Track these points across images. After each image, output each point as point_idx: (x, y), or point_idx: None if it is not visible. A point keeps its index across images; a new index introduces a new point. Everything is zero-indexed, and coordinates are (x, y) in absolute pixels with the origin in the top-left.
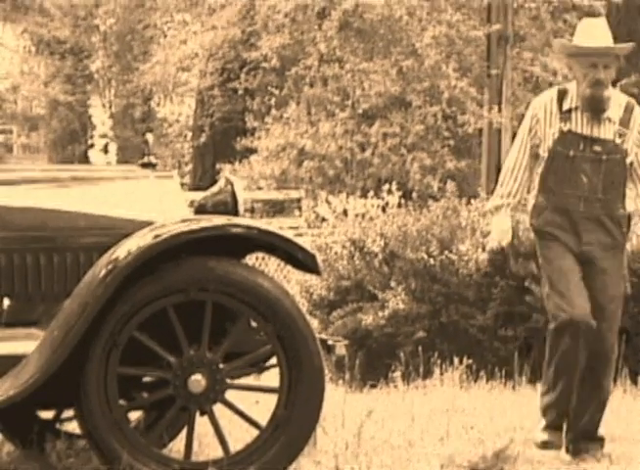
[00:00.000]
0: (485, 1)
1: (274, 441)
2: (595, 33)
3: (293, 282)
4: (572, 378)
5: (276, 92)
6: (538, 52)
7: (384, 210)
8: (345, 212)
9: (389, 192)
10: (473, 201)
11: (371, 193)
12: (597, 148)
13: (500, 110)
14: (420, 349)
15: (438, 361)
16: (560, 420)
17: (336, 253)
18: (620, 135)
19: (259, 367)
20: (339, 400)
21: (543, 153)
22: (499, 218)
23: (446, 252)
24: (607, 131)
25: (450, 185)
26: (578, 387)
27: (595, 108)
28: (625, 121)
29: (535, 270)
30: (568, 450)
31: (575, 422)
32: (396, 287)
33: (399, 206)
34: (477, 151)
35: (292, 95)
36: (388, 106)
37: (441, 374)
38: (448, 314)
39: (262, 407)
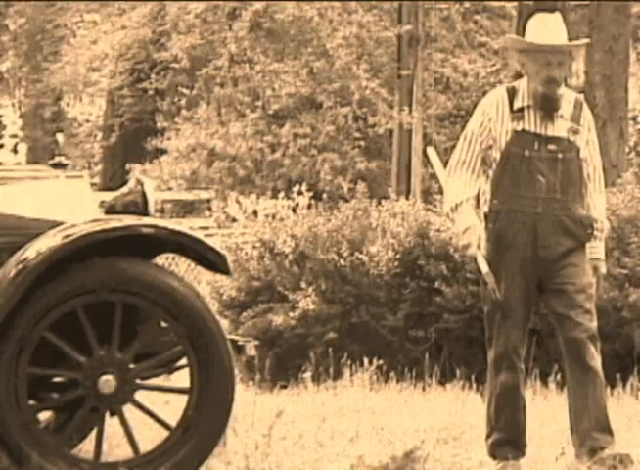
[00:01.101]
0: (396, 2)
1: (184, 441)
2: (549, 30)
3: (203, 283)
4: (516, 410)
5: (186, 92)
6: (449, 53)
7: (294, 210)
8: (256, 213)
9: (300, 193)
10: (383, 202)
11: (281, 194)
12: (552, 146)
13: (411, 111)
14: (330, 349)
15: (349, 362)
16: (515, 452)
17: (246, 253)
18: (574, 132)
19: (170, 368)
20: (249, 401)
21: (495, 154)
22: (461, 217)
23: (357, 253)
24: (560, 129)
25: (361, 186)
26: (569, 380)
27: (548, 106)
28: (576, 118)
29: (446, 271)
30: (581, 450)
31: (579, 417)
32: (307, 288)
33: (310, 206)
34: (387, 152)
35: (202, 95)
36: (299, 106)
37: (352, 375)
38: (359, 315)
39: (173, 408)
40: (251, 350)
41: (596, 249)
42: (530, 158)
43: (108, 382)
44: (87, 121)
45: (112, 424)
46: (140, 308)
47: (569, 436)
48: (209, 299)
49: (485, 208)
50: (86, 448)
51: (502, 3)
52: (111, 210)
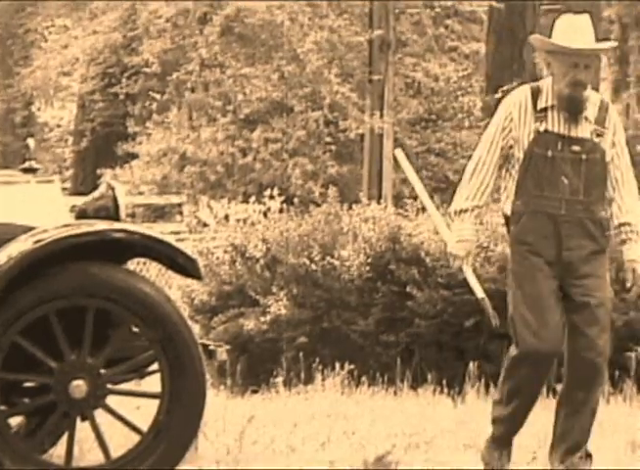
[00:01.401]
0: (367, 7)
1: (155, 446)
2: (578, 32)
3: (174, 287)
4: (526, 404)
5: (157, 97)
6: (420, 57)
7: (265, 215)
8: (227, 218)
9: (271, 197)
10: (354, 206)
11: (252, 198)
12: (576, 148)
13: (382, 115)
14: (301, 354)
15: (320, 367)
16: (507, 437)
17: (217, 258)
18: (598, 134)
19: (141, 373)
20: (220, 406)
21: (518, 154)
22: (460, 226)
23: (328, 257)
24: (584, 130)
25: (332, 190)
26: (567, 397)
27: (573, 108)
28: (601, 120)
29: (417, 276)
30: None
31: (564, 435)
32: (278, 292)
33: (281, 211)
34: (358, 156)
35: (173, 100)
36: (270, 111)
37: (323, 380)
38: (330, 320)
39: (144, 413)
40: (222, 354)
41: (632, 251)
42: (554, 158)
43: (79, 387)
44: (58, 126)
45: (83, 429)
46: (111, 313)
47: (541, 440)
48: (180, 303)
49: (507, 209)
50: (57, 453)
51: (473, 4)
52: (82, 214)
